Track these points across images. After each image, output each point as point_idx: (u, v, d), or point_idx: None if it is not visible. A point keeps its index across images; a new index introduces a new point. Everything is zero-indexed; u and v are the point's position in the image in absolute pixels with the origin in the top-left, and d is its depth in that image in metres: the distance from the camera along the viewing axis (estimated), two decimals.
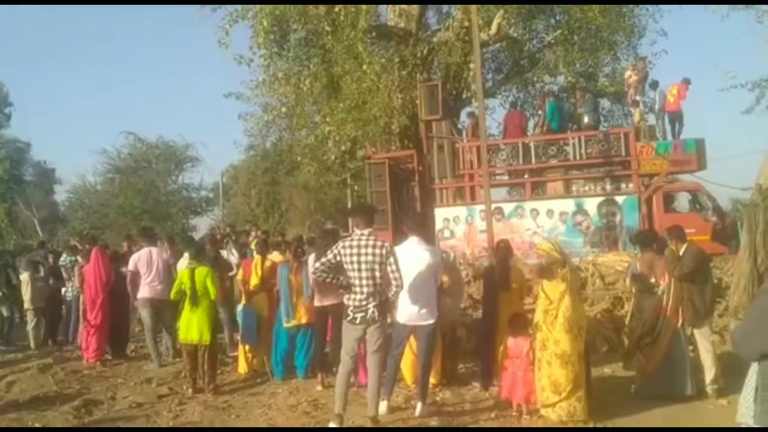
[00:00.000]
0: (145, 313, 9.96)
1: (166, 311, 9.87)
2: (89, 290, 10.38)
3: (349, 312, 6.37)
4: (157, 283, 9.88)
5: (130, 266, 9.99)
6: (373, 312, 6.29)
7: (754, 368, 3.21)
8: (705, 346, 7.29)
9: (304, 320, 8.66)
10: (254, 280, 9.16)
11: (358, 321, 6.33)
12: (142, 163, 38.08)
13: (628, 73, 16.63)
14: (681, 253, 7.41)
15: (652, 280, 7.52)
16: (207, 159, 53.63)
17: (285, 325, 8.74)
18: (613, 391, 7.45)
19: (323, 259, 6.42)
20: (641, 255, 8.03)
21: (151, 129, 71.89)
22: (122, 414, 7.59)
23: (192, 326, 8.28)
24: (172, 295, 8.67)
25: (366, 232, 6.43)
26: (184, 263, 9.41)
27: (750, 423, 3.16)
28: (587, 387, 6.58)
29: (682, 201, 14.93)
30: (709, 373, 7.23)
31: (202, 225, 37.59)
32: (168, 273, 10.00)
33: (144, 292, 9.89)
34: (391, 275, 6.23)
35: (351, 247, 6.32)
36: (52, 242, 27.11)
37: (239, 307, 9.45)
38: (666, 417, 6.62)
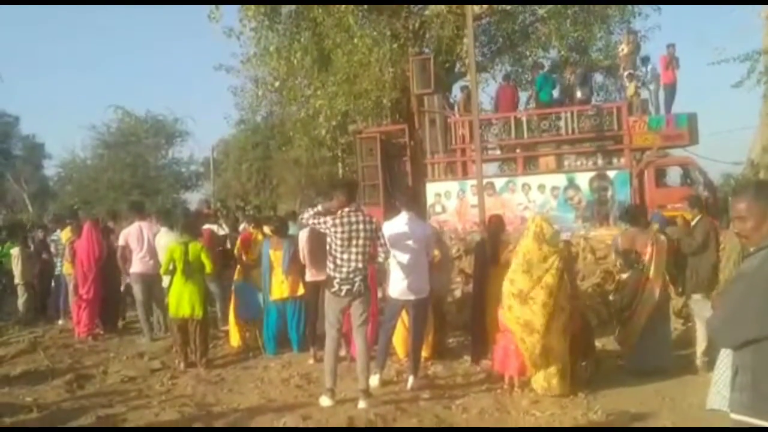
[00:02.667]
0: (137, 288, 9.93)
1: (157, 286, 9.85)
2: (81, 265, 10.34)
3: (335, 284, 6.40)
4: (149, 258, 9.84)
5: (121, 241, 9.96)
6: (360, 285, 6.37)
7: (726, 354, 3.17)
8: (702, 317, 7.30)
9: (286, 294, 8.70)
10: (251, 255, 9.14)
11: (343, 293, 6.38)
12: (132, 138, 37.77)
13: (621, 47, 16.54)
14: (693, 224, 7.51)
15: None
16: (197, 133, 53.17)
17: (270, 299, 8.79)
18: (603, 364, 7.48)
19: (316, 212, 6.46)
20: (625, 230, 8.07)
21: (140, 103, 71.47)
22: (114, 388, 7.59)
23: (183, 300, 8.25)
24: (162, 271, 8.64)
25: (353, 207, 6.45)
26: (163, 239, 9.38)
27: (724, 408, 3.12)
28: (570, 361, 6.61)
29: (674, 175, 14.94)
30: (701, 346, 7.27)
31: (192, 199, 37.49)
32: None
33: (136, 267, 9.86)
34: (379, 248, 6.42)
35: (342, 224, 6.33)
36: (43, 217, 26.96)
37: (234, 283, 9.41)
38: (657, 391, 6.67)
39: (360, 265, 6.34)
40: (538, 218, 7.01)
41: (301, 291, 8.67)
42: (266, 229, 9.53)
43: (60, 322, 11.62)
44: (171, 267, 8.34)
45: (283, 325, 8.86)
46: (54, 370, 8.34)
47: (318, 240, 7.52)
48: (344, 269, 6.34)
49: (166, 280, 9.14)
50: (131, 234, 9.91)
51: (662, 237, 7.54)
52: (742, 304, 2.95)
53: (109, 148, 37.79)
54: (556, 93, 16.00)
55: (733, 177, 12.35)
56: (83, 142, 38.68)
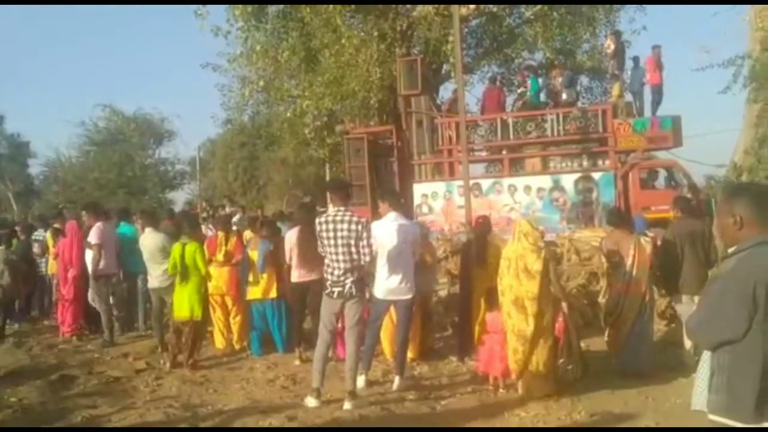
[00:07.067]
0: (103, 288, 9.86)
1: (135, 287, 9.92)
2: (64, 264, 10.27)
3: (328, 285, 6.45)
4: (112, 257, 9.91)
5: (97, 239, 9.73)
6: (351, 287, 6.36)
7: (706, 355, 3.23)
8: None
9: (259, 295, 8.71)
10: (219, 258, 9.08)
11: (335, 295, 6.40)
12: (119, 136, 37.60)
13: (607, 43, 16.57)
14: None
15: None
16: (183, 132, 53.05)
17: (247, 299, 8.85)
18: (589, 365, 7.50)
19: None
20: (610, 232, 8.11)
21: (126, 101, 71.05)
22: (99, 388, 7.56)
23: (183, 302, 8.24)
24: (169, 271, 8.59)
25: (342, 208, 6.45)
26: (147, 239, 9.33)
27: (705, 409, 3.18)
28: (554, 362, 6.64)
29: (658, 178, 15.04)
30: (688, 345, 7.30)
31: (178, 199, 37.41)
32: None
33: (109, 267, 9.84)
34: (362, 249, 6.32)
35: (327, 222, 6.39)
36: (28, 216, 26.79)
37: None
38: (641, 391, 6.71)
39: (348, 266, 6.34)
40: (522, 220, 7.07)
41: (273, 293, 8.68)
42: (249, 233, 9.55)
43: (45, 322, 11.56)
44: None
45: (265, 325, 8.86)
46: (38, 370, 8.31)
47: (309, 241, 7.54)
48: (335, 271, 6.38)
49: (152, 281, 9.13)
50: (105, 233, 9.83)
51: (644, 240, 7.59)
52: (717, 306, 3.01)
53: (96, 145, 37.62)
54: (542, 95, 16.08)
55: (714, 179, 12.44)
56: (69, 140, 38.55)
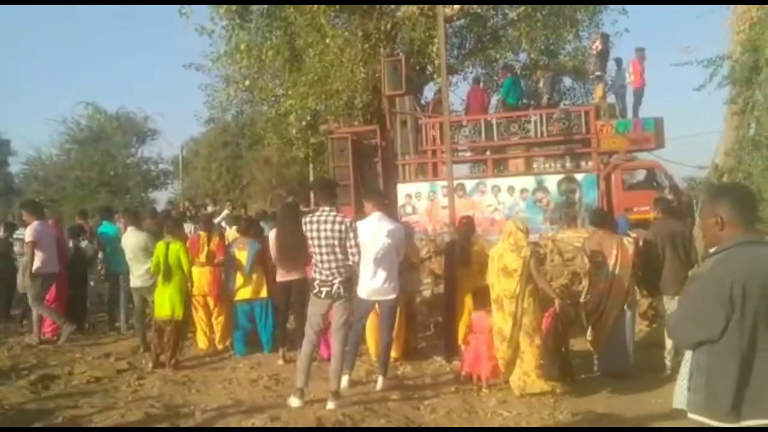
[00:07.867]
0: (38, 286, 9.72)
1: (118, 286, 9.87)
2: None
3: (316, 285, 6.43)
4: (55, 257, 9.78)
5: (32, 237, 9.53)
6: (339, 288, 6.34)
7: (688, 355, 3.26)
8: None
9: (248, 295, 8.71)
10: (201, 258, 9.02)
11: (323, 295, 6.38)
12: (101, 135, 37.25)
13: (596, 44, 16.61)
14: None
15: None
16: (166, 131, 52.56)
17: (235, 299, 8.82)
18: (572, 364, 7.55)
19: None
20: (593, 233, 8.16)
21: (109, 99, 70.49)
22: (80, 389, 7.50)
23: (165, 301, 8.21)
24: (152, 269, 8.53)
25: (327, 208, 6.44)
26: (130, 238, 9.27)
27: (685, 408, 3.22)
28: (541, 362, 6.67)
29: (640, 179, 15.14)
30: (669, 345, 7.35)
31: (161, 198, 37.15)
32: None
33: (50, 266, 9.72)
34: (349, 250, 6.29)
35: (312, 222, 6.38)
36: (8, 215, 26.49)
37: None
38: (624, 391, 6.75)
39: (334, 265, 6.31)
40: (509, 221, 7.14)
41: (263, 293, 8.68)
42: (233, 233, 9.54)
43: (25, 321, 11.44)
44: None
45: (251, 326, 8.83)
46: (18, 370, 8.22)
47: (287, 241, 7.52)
48: (323, 272, 6.35)
49: (134, 280, 9.07)
50: (40, 232, 9.71)
51: (627, 240, 7.64)
52: (694, 306, 3.05)
53: (77, 144, 37.25)
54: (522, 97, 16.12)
55: (696, 180, 12.58)
56: (51, 138, 38.13)
